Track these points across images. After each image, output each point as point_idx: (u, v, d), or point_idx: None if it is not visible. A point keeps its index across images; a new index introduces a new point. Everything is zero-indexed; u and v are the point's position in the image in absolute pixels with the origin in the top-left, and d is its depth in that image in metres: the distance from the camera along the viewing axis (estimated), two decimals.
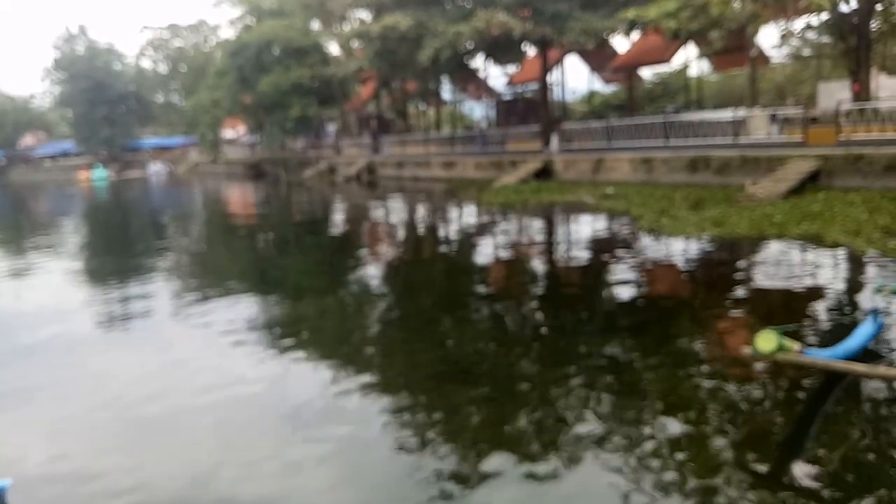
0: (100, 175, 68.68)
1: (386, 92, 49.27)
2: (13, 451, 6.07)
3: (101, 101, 73.40)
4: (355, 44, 40.42)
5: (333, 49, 49.16)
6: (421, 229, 21.56)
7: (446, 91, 47.78)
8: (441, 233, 20.36)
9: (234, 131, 68.31)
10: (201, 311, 11.23)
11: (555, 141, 31.03)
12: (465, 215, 23.53)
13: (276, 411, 6.81)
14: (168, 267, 16.47)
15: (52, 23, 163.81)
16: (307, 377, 7.84)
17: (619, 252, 14.40)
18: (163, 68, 76.13)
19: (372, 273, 14.39)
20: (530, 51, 35.10)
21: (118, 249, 20.76)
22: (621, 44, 36.46)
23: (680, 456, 5.32)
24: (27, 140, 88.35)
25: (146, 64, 77.14)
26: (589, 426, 5.95)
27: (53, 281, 14.86)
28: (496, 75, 45.06)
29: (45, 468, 5.78)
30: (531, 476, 5.20)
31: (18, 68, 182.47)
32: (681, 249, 14.03)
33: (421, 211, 26.58)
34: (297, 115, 47.34)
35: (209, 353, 8.99)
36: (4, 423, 6.77)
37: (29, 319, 11.17)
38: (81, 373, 8.41)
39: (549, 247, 16.43)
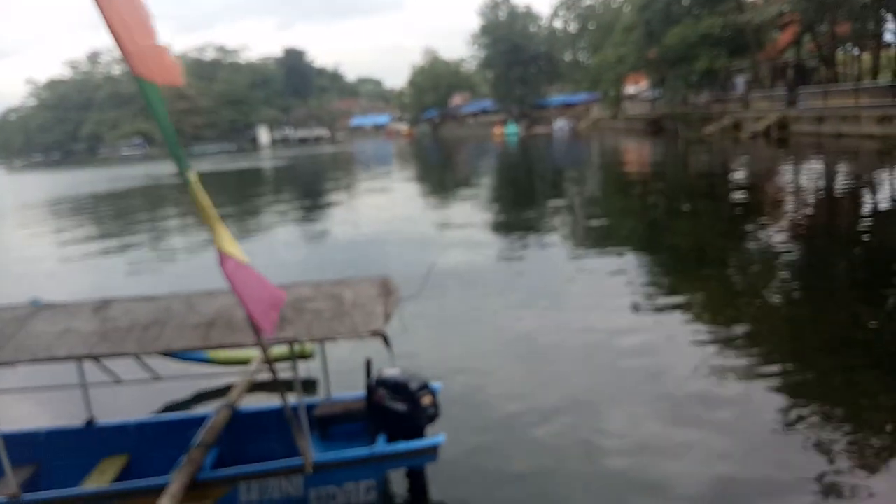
0: (511, 130, 75.32)
1: (809, 37, 43.59)
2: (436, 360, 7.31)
3: (517, 62, 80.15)
4: None
5: None
6: (840, 198, 18.73)
7: (889, 31, 40.16)
8: (866, 205, 17.35)
9: (635, 87, 68.11)
10: (591, 263, 11.83)
11: None
12: None
13: (649, 367, 6.96)
14: (563, 217, 17.54)
15: None
16: (686, 338, 7.75)
17: None
18: (573, 27, 79.13)
19: (772, 247, 13.00)
20: None
21: (522, 197, 22.73)
22: None
23: None
24: (455, 100, 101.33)
25: (558, 24, 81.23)
26: None
27: (470, 221, 17.14)
28: None
29: (461, 377, 6.89)
30: None
31: (451, 35, 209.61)
32: None
33: (843, 175, 23.08)
34: (704, 68, 45.00)
35: (594, 302, 9.47)
36: (430, 339, 8.13)
37: (447, 255, 13.06)
38: (482, 305, 9.61)
39: None
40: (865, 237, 13.40)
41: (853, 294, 9.55)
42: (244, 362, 7.25)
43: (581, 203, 21.24)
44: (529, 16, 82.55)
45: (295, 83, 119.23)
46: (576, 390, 6.59)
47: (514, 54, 79.87)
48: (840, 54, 44.06)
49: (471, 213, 19.64)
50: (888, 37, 40.70)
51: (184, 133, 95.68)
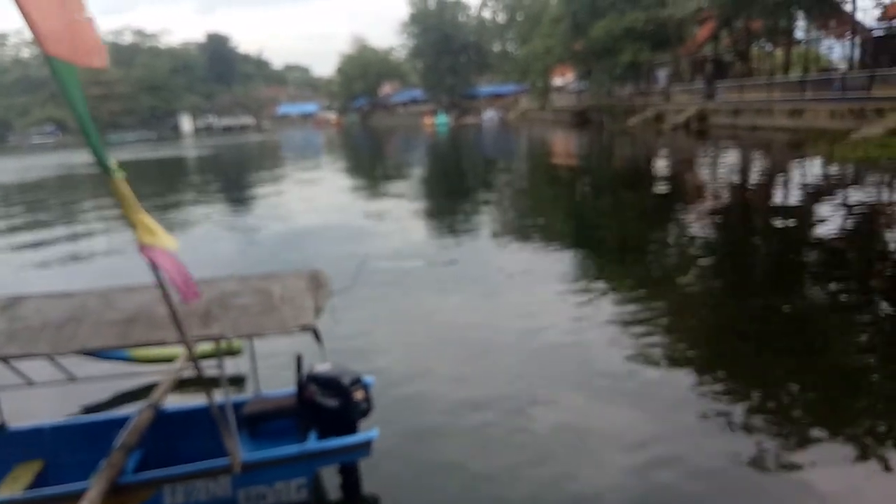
0: (442, 121, 75.44)
1: (726, 32, 45.40)
2: (374, 356, 7.25)
3: (447, 52, 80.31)
4: None
5: None
6: (755, 187, 19.66)
7: (799, 29, 42.30)
8: (778, 192, 18.30)
9: (562, 78, 69.30)
10: (519, 251, 11.99)
11: None
12: (811, 172, 20.88)
13: (577, 352, 7.12)
14: (494, 208, 17.70)
15: None
16: (611, 323, 7.95)
17: None
18: (501, 18, 79.83)
19: (692, 231, 13.63)
20: None
21: (454, 188, 22.81)
22: None
23: None
24: (385, 89, 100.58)
25: (486, 14, 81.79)
26: None
27: (401, 215, 17.06)
28: (865, 8, 38.54)
29: (394, 369, 6.86)
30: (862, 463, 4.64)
31: (381, 23, 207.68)
32: None
33: (757, 165, 24.23)
34: (628, 61, 46.29)
35: (523, 290, 9.60)
36: (362, 332, 8.06)
37: (378, 247, 12.98)
38: (414, 296, 9.61)
39: None
40: (774, 223, 14.09)
41: (764, 277, 10.01)
42: (168, 360, 6.98)
43: (510, 193, 21.48)
44: (459, 5, 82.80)
45: (219, 69, 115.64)
46: (508, 378, 6.65)
47: (443, 44, 79.95)
48: (755, 50, 46.07)
49: (402, 204, 19.56)
50: (798, 34, 42.88)
51: (100, 120, 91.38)
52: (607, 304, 8.76)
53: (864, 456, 4.89)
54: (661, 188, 20.91)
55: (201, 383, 4.24)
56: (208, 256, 13.46)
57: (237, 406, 5.05)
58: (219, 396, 4.43)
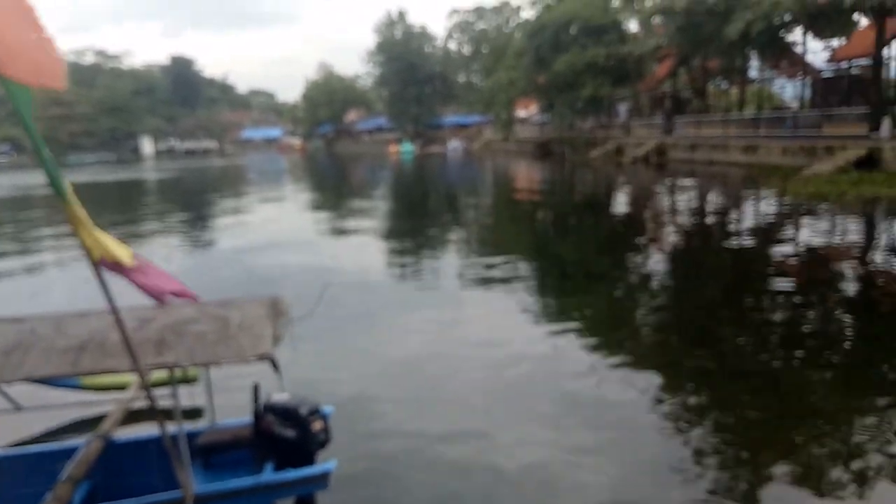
0: (407, 149, 75.80)
1: (684, 70, 46.82)
2: (328, 383, 7.15)
3: (413, 82, 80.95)
4: (656, 20, 38.96)
5: (632, 27, 48.01)
6: (711, 219, 20.17)
7: (753, 68, 43.82)
8: (733, 225, 18.80)
9: (525, 111, 70.39)
10: (482, 282, 12.02)
11: (886, 125, 26.75)
12: (765, 206, 21.50)
13: (543, 384, 7.07)
14: (457, 238, 17.78)
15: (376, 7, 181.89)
16: (574, 356, 7.97)
17: None
18: (466, 50, 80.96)
19: (651, 262, 13.92)
20: (862, 21, 30.59)
21: (418, 218, 22.86)
22: None
23: None
24: (350, 116, 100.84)
25: (452, 46, 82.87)
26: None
27: (365, 242, 17.00)
28: (815, 50, 40.18)
29: (351, 395, 6.74)
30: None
31: (348, 50, 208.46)
32: None
33: (713, 199, 24.88)
34: (589, 95, 47.27)
35: (486, 320, 9.61)
36: (322, 361, 7.96)
37: (340, 275, 12.91)
38: (378, 326, 9.56)
39: (867, 250, 14.30)
40: (727, 254, 14.44)
41: (717, 307, 10.22)
42: (121, 388, 6.78)
43: (473, 224, 21.62)
44: (425, 36, 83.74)
45: (182, 92, 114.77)
46: (472, 408, 6.61)
47: (409, 73, 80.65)
48: (711, 87, 47.55)
49: (366, 233, 19.52)
50: (753, 73, 44.41)
51: (59, 141, 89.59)
52: (568, 335, 8.80)
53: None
54: (620, 219, 21.27)
55: (154, 413, 4.13)
56: None
57: (191, 436, 4.93)
58: (172, 426, 4.32)
